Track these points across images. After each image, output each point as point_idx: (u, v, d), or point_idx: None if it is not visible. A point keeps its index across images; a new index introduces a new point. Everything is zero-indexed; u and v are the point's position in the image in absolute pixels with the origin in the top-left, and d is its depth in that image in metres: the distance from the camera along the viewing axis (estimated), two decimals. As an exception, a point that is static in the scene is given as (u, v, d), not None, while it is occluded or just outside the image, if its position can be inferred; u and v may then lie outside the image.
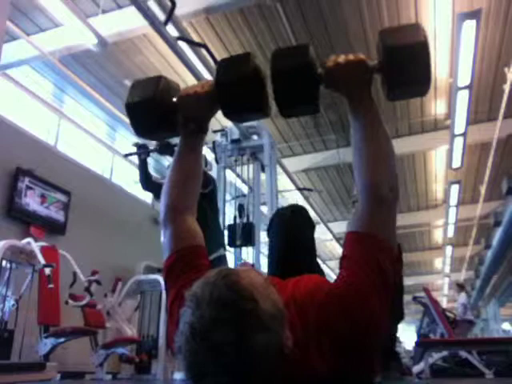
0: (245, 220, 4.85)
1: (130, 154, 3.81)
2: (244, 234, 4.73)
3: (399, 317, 1.45)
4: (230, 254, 4.84)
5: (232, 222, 4.91)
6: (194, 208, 1.22)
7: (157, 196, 3.61)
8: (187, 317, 0.77)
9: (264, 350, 0.76)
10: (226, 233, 4.75)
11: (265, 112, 1.20)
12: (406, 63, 1.06)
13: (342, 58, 1.09)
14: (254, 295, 0.78)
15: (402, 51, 1.06)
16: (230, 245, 4.74)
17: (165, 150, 3.42)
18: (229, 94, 1.15)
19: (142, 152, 3.54)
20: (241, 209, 4.90)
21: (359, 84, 1.11)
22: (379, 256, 0.98)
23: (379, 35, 1.10)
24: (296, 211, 1.67)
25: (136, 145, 3.62)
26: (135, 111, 1.20)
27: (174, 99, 1.19)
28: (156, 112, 1.18)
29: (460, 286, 9.88)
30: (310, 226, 1.67)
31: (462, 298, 9.13)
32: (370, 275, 0.96)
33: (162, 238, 1.20)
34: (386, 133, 1.12)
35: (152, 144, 3.56)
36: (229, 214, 5.39)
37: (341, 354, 0.91)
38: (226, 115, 1.21)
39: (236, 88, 1.14)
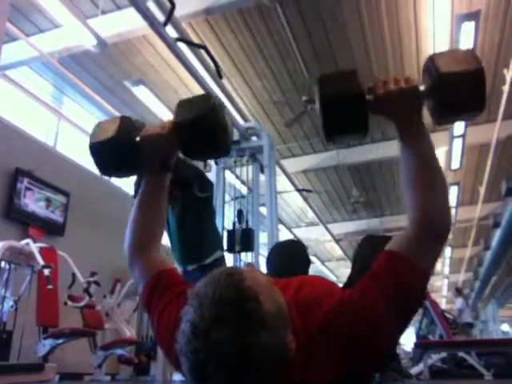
0: (244, 225, 4.84)
1: None
2: (243, 240, 4.72)
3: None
4: (229, 259, 4.84)
5: (231, 224, 4.91)
6: (160, 242, 1.23)
7: None
8: (189, 315, 0.77)
9: (266, 350, 0.75)
10: (225, 238, 4.75)
11: (222, 151, 1.20)
12: (461, 90, 1.02)
13: (392, 85, 1.04)
14: (257, 295, 0.77)
15: (458, 78, 1.01)
16: (229, 250, 4.74)
17: None
18: (186, 134, 1.15)
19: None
20: (240, 214, 4.89)
21: (410, 111, 1.06)
22: (407, 282, 0.95)
23: (430, 59, 1.06)
24: (295, 243, 1.76)
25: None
26: (98, 152, 1.21)
27: (138, 138, 1.19)
28: (118, 152, 1.19)
29: (457, 291, 9.90)
30: (306, 258, 1.74)
31: (459, 303, 9.17)
32: (393, 297, 0.93)
33: (132, 276, 1.20)
34: (437, 161, 1.06)
35: None
36: (228, 215, 5.39)
37: (346, 361, 0.91)
38: (185, 155, 1.23)
39: (193, 129, 1.14)
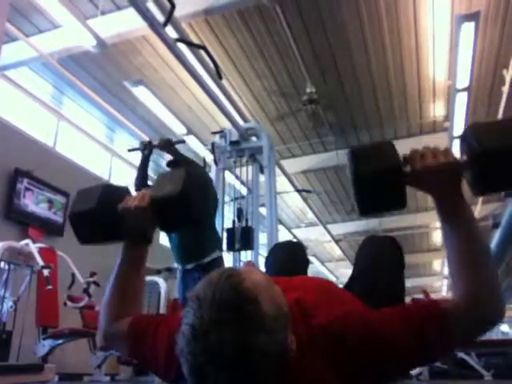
0: (244, 224, 4.85)
1: (134, 150, 3.88)
2: (243, 238, 4.72)
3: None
4: (229, 257, 4.84)
5: (230, 224, 4.91)
6: (139, 311, 1.21)
7: None
8: (189, 318, 0.77)
9: (266, 351, 0.75)
10: (224, 237, 4.75)
11: (200, 223, 1.21)
12: (505, 167, 0.97)
13: (430, 160, 0.97)
14: (256, 297, 0.77)
15: (501, 155, 0.96)
16: (229, 249, 4.74)
17: (166, 146, 3.48)
18: (161, 210, 1.14)
19: (146, 148, 3.61)
20: (239, 213, 4.89)
21: (449, 185, 1.00)
22: (433, 347, 0.92)
23: (471, 130, 1.01)
24: (292, 243, 1.78)
25: (141, 143, 3.70)
26: (78, 222, 1.22)
27: (119, 206, 1.18)
28: (97, 224, 1.19)
29: None
30: (305, 259, 1.75)
31: None
32: (410, 348, 0.91)
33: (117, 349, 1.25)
34: (481, 236, 1.00)
35: (155, 140, 3.65)
36: (227, 215, 5.39)
37: (345, 369, 0.91)
38: (161, 229, 1.23)
39: (167, 206, 1.13)
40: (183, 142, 4.08)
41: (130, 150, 4.15)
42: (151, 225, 1.20)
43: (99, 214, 1.17)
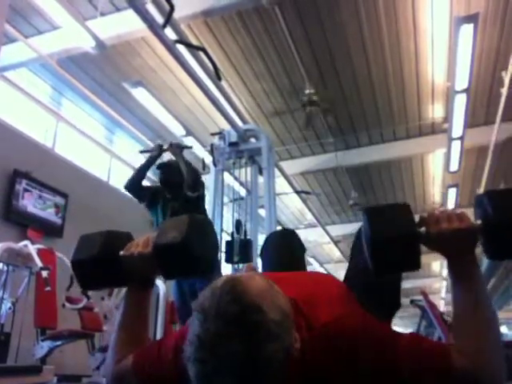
0: (242, 236, 4.83)
1: (146, 151, 4.03)
2: (242, 251, 4.71)
3: (396, 305, 1.44)
4: (228, 269, 4.83)
5: (229, 225, 4.91)
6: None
7: (140, 199, 3.81)
8: (195, 329, 0.78)
9: (273, 359, 0.76)
10: (223, 249, 4.74)
11: (202, 272, 1.19)
12: None
13: (446, 224, 0.99)
14: (260, 306, 0.77)
15: None
16: (228, 261, 4.74)
17: (176, 150, 3.55)
18: (164, 258, 1.14)
19: (157, 151, 3.70)
20: (238, 225, 4.88)
21: (463, 249, 1.01)
22: (435, 372, 0.90)
23: (488, 197, 1.02)
24: (288, 232, 1.70)
25: (154, 146, 3.84)
26: (80, 269, 1.23)
27: (121, 252, 1.19)
28: (100, 270, 1.20)
29: None
30: (301, 246, 1.75)
31: None
32: (408, 368, 0.90)
33: None
34: (489, 303, 1.02)
35: (166, 143, 3.76)
36: (226, 216, 5.38)
37: (342, 368, 0.91)
38: (165, 277, 1.23)
39: (170, 253, 1.13)
40: (190, 147, 4.19)
41: (141, 152, 4.28)
42: (154, 270, 1.20)
43: (101, 261, 1.18)
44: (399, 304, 1.40)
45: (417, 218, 1.04)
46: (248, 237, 4.88)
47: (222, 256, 4.70)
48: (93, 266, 1.19)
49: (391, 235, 1.00)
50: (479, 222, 1.00)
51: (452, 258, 1.03)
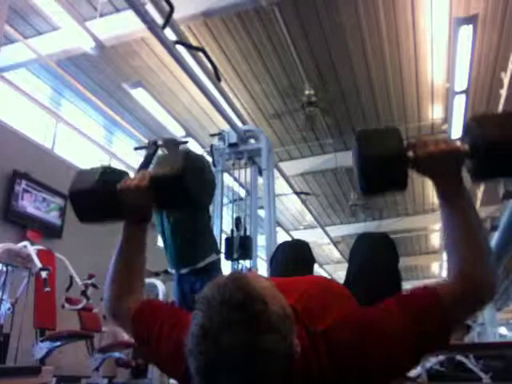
0: (242, 233, 4.83)
1: (141, 148, 3.95)
2: (241, 247, 4.71)
3: None
4: (228, 266, 4.82)
5: (228, 226, 4.90)
6: (140, 295, 1.24)
7: None
8: (198, 319, 0.78)
9: (275, 350, 0.76)
10: (223, 245, 4.74)
11: (198, 205, 1.23)
12: (506, 157, 1.02)
13: (433, 147, 1.04)
14: (264, 297, 0.78)
15: (504, 145, 1.01)
16: (228, 258, 4.73)
17: (170, 145, 3.51)
18: (161, 189, 1.18)
19: (151, 147, 3.66)
20: (238, 222, 4.87)
21: (450, 172, 1.06)
22: (435, 335, 0.95)
23: (475, 120, 1.06)
24: (300, 243, 1.80)
25: (148, 142, 3.77)
26: (77, 200, 1.25)
27: (118, 186, 1.21)
28: (97, 202, 1.22)
29: None
30: (311, 259, 1.78)
31: None
32: (413, 334, 0.93)
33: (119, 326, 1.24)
34: (479, 220, 1.07)
35: (160, 138, 3.72)
36: (226, 217, 5.38)
37: (345, 372, 0.92)
38: (158, 207, 1.26)
39: (167, 184, 1.16)
40: (186, 142, 4.13)
41: (136, 149, 4.22)
42: (150, 204, 1.23)
43: (99, 192, 1.20)
44: None
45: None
46: (247, 233, 4.87)
47: (222, 256, 4.69)
48: (90, 196, 1.21)
49: (380, 153, 1.06)
50: (466, 146, 1.05)
51: (440, 181, 1.08)
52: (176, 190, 1.16)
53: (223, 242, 4.81)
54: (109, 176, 1.24)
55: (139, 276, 1.25)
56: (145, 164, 3.64)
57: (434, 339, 0.96)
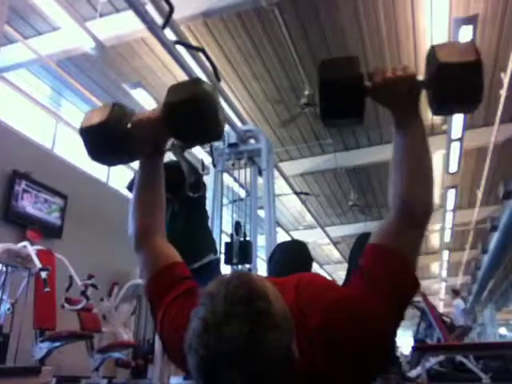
0: (242, 238, 4.82)
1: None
2: (241, 252, 4.71)
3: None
4: (227, 271, 4.82)
5: (228, 226, 4.90)
6: (163, 229, 1.25)
7: None
8: (200, 313, 0.78)
9: (275, 348, 0.76)
10: (223, 250, 4.73)
11: (212, 135, 1.22)
12: (459, 81, 1.04)
13: (390, 73, 1.07)
14: (267, 295, 0.79)
15: (456, 69, 1.04)
16: (227, 262, 4.73)
17: (176, 149, 3.49)
18: (174, 117, 1.16)
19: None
20: (237, 226, 4.87)
21: (407, 100, 1.09)
22: (400, 277, 0.98)
23: (431, 50, 1.09)
24: (297, 243, 1.81)
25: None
26: (88, 136, 1.22)
27: (129, 125, 1.21)
28: (108, 136, 1.20)
29: (454, 292, 9.87)
30: (309, 258, 1.78)
31: (461, 304, 9.09)
32: (386, 294, 0.95)
33: (138, 262, 1.23)
34: (429, 151, 1.11)
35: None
36: (226, 217, 5.38)
37: (340, 363, 0.92)
38: (176, 138, 1.25)
39: (181, 111, 1.15)
40: (191, 147, 4.11)
41: None
42: (162, 136, 1.23)
43: (109, 126, 1.19)
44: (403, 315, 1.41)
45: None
46: (247, 238, 4.87)
47: (222, 258, 4.69)
48: (100, 131, 1.20)
49: (335, 76, 1.09)
50: (423, 76, 1.08)
51: (396, 109, 1.10)
52: (190, 114, 1.15)
53: (223, 244, 4.81)
54: (120, 111, 1.23)
55: (161, 208, 1.26)
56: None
57: (405, 285, 0.98)
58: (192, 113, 1.14)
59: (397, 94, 1.07)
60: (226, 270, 4.70)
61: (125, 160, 1.32)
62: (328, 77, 1.10)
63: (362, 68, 1.10)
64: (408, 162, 1.08)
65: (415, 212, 1.03)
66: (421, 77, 1.08)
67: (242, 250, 4.71)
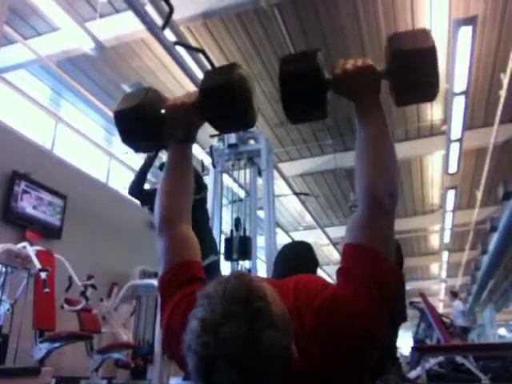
0: (242, 233, 4.82)
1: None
2: (241, 248, 4.70)
3: (402, 318, 1.45)
4: (227, 267, 4.82)
5: (228, 227, 4.89)
6: (189, 216, 1.23)
7: (143, 203, 3.61)
8: (198, 313, 0.78)
9: (273, 348, 0.76)
10: (222, 246, 4.73)
11: (247, 121, 1.20)
12: (414, 68, 1.06)
13: (349, 64, 1.08)
14: (266, 295, 0.79)
15: (410, 56, 1.06)
16: (227, 258, 4.73)
17: None
18: (210, 102, 1.16)
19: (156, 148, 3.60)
20: (237, 222, 4.87)
21: (367, 90, 1.11)
22: (378, 269, 0.98)
23: (388, 40, 1.12)
24: (302, 244, 1.82)
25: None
26: (123, 119, 1.23)
27: (162, 110, 1.21)
28: (143, 120, 1.20)
29: (453, 294, 9.87)
30: (314, 260, 1.78)
31: (461, 305, 9.10)
32: (370, 289, 0.95)
33: (158, 247, 1.21)
34: (390, 139, 1.12)
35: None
36: (226, 218, 5.38)
37: (337, 362, 0.92)
38: (210, 123, 1.24)
39: (217, 96, 1.14)
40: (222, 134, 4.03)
41: (136, 150, 4.16)
42: (195, 121, 1.23)
43: (144, 110, 1.19)
44: (406, 317, 1.41)
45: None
46: (247, 234, 4.87)
47: (221, 256, 4.69)
48: (135, 115, 1.20)
49: (294, 69, 1.10)
50: (383, 66, 1.10)
51: (357, 99, 1.13)
52: (225, 100, 1.13)
53: (223, 243, 4.80)
54: (155, 96, 1.23)
55: (188, 194, 1.25)
56: (145, 167, 3.61)
57: (387, 278, 0.98)
58: (227, 98, 1.14)
59: (357, 86, 1.09)
60: (225, 266, 4.71)
61: (156, 145, 1.33)
62: (285, 71, 1.10)
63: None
64: (371, 152, 1.10)
65: (381, 201, 1.03)
66: (379, 67, 1.09)
67: (241, 246, 4.71)
